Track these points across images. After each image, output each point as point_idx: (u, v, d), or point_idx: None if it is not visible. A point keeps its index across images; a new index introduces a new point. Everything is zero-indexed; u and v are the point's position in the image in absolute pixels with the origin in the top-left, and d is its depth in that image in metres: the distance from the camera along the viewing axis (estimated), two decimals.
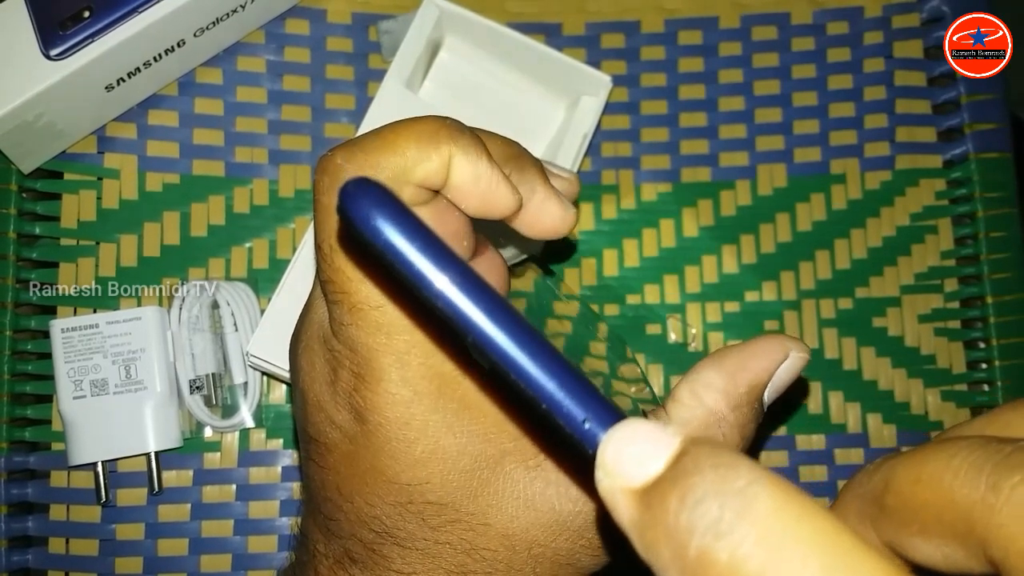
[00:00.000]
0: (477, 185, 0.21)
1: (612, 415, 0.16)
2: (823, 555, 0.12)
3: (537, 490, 0.22)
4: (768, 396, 0.23)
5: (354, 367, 0.21)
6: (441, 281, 0.16)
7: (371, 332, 0.21)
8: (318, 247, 0.21)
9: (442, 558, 0.22)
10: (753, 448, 0.39)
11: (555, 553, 0.22)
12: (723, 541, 0.12)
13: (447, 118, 0.22)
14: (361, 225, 0.17)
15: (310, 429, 0.23)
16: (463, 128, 0.22)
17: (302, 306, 0.25)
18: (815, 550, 0.12)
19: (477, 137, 0.22)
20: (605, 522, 0.22)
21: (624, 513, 0.14)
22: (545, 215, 0.24)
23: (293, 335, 0.24)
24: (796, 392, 0.40)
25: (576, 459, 0.22)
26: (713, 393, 0.22)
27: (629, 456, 0.14)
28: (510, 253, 0.33)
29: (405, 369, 0.21)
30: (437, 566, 0.22)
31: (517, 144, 0.24)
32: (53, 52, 0.35)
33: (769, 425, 0.39)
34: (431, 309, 0.17)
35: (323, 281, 0.22)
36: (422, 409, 0.21)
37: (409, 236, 0.17)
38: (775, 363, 0.23)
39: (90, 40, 0.35)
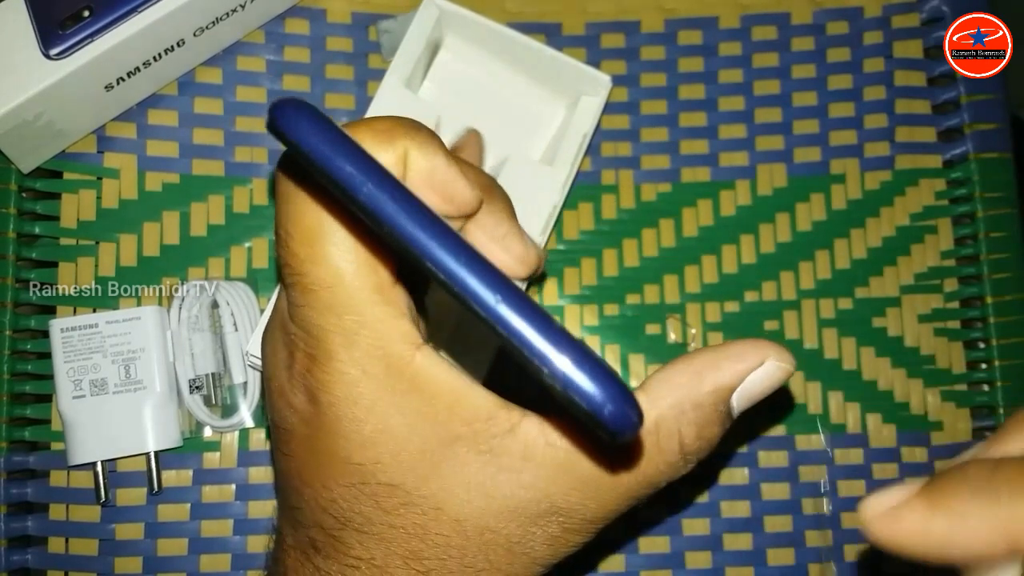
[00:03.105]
0: (434, 178, 0.22)
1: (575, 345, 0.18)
2: None
3: (488, 475, 0.22)
4: (738, 401, 0.23)
5: (307, 348, 0.22)
6: (368, 187, 0.19)
7: (322, 312, 0.21)
8: (276, 233, 0.22)
9: (396, 543, 0.22)
10: (752, 447, 0.39)
11: (507, 540, 0.22)
12: None
13: (405, 117, 0.22)
14: (284, 127, 0.19)
15: (275, 416, 0.24)
16: (420, 126, 0.22)
17: None
18: None
19: (434, 135, 0.22)
20: (566, 513, 0.22)
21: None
22: (504, 251, 0.25)
23: (263, 329, 0.25)
24: (796, 392, 0.40)
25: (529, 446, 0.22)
26: (676, 388, 0.23)
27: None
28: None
29: (353, 349, 0.21)
30: (392, 552, 0.22)
31: (492, 178, 0.25)
32: (53, 51, 0.35)
33: (769, 425, 0.39)
34: (364, 218, 0.19)
35: (280, 266, 0.22)
36: (371, 388, 0.21)
37: (329, 136, 0.19)
38: (747, 367, 0.23)
39: (90, 39, 0.35)
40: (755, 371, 0.23)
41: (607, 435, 0.18)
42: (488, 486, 0.22)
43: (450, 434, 0.22)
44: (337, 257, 0.21)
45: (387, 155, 0.21)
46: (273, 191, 0.23)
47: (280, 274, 0.23)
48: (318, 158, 0.19)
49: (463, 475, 0.22)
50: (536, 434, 0.22)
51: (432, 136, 0.22)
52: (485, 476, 0.22)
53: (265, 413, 0.37)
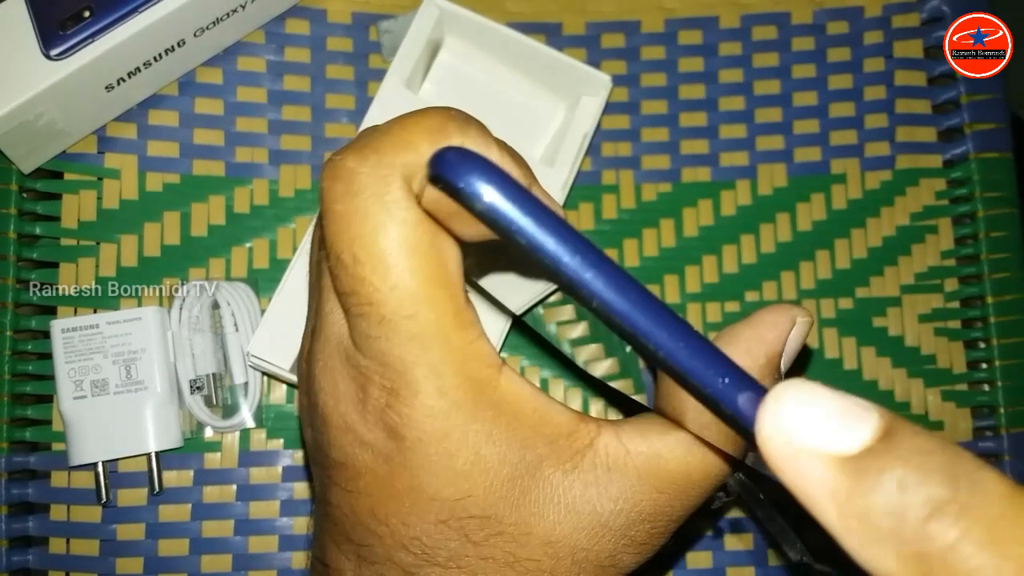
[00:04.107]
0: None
1: (752, 381, 0.17)
2: None
3: (577, 493, 0.21)
4: (784, 364, 0.23)
5: (386, 382, 0.20)
6: (572, 260, 0.18)
7: (403, 343, 0.20)
8: (336, 258, 0.20)
9: (484, 574, 0.21)
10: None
11: (598, 556, 0.22)
12: (955, 523, 0.12)
13: (451, 109, 0.21)
14: (470, 194, 0.18)
15: (335, 453, 0.22)
16: (469, 119, 0.21)
17: (303, 306, 0.25)
18: None
19: (483, 126, 0.21)
20: (652, 518, 0.22)
21: (821, 480, 0.14)
22: None
23: (303, 356, 0.23)
24: None
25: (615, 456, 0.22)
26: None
27: (827, 418, 0.14)
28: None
29: (441, 379, 0.20)
30: None
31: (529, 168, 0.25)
32: (53, 52, 0.35)
33: None
34: (561, 282, 0.18)
35: (343, 293, 0.21)
36: (461, 419, 0.20)
37: (523, 202, 0.18)
38: (785, 332, 0.23)
39: (90, 40, 0.35)
40: (792, 332, 0.23)
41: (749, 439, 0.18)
42: (577, 503, 0.21)
43: (536, 456, 0.21)
44: (415, 284, 0.20)
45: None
46: (324, 210, 0.21)
47: (343, 303, 0.21)
48: (520, 230, 0.17)
49: (552, 495, 0.21)
50: (616, 444, 0.21)
51: (482, 130, 0.21)
52: (573, 494, 0.21)
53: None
